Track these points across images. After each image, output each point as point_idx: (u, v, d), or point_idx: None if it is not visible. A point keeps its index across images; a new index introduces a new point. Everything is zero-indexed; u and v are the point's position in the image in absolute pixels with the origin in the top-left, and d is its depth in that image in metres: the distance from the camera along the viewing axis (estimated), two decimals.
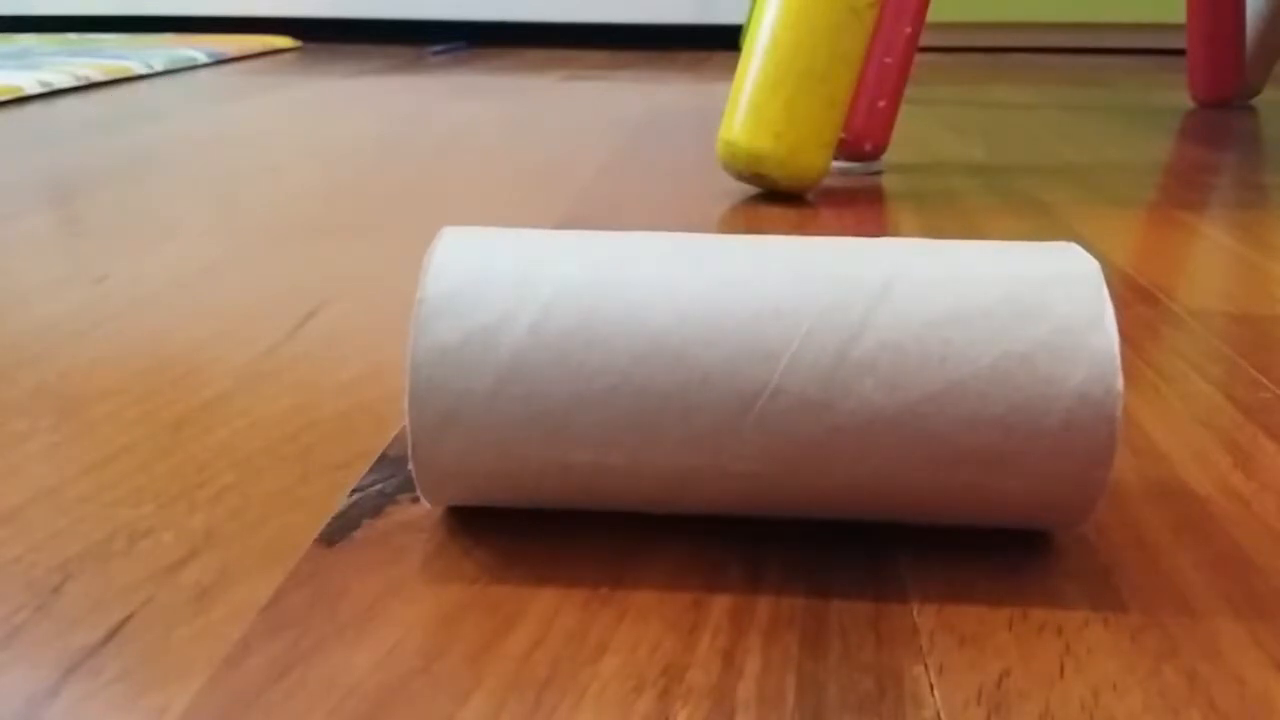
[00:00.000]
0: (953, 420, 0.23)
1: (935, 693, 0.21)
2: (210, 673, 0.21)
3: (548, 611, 0.23)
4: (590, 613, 0.23)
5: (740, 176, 0.62)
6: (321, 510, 0.28)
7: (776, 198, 0.63)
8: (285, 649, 0.22)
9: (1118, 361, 0.23)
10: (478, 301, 0.24)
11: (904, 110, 0.73)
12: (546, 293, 0.24)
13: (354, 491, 0.28)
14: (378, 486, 0.29)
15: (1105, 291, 0.24)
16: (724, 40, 1.59)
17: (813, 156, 0.59)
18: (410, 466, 0.24)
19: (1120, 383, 0.23)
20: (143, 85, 1.18)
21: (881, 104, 0.70)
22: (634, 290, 0.24)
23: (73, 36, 1.64)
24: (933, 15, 0.73)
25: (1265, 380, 0.37)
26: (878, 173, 0.70)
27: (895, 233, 0.56)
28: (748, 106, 0.59)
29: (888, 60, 0.70)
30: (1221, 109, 0.99)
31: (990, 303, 0.23)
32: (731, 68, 0.58)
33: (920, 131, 0.85)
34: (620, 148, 0.79)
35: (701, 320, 0.24)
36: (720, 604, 0.24)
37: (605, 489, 0.25)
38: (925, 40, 0.74)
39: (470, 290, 0.24)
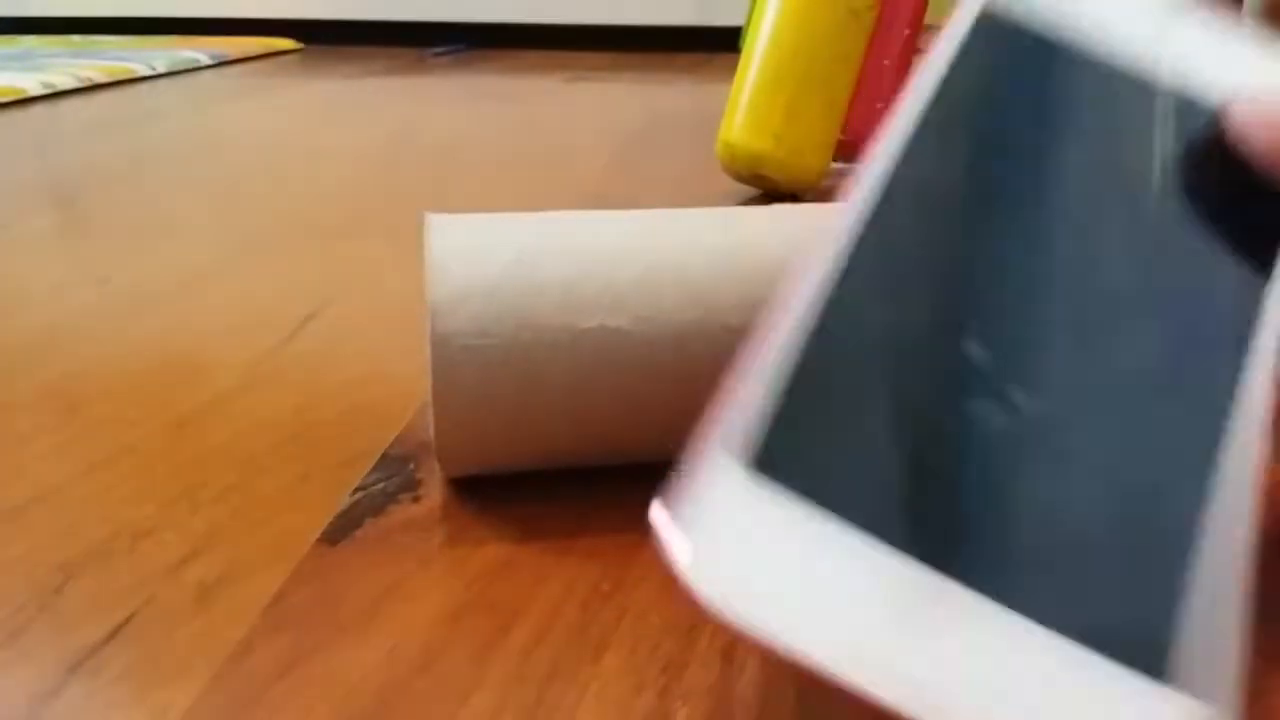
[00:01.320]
0: None
1: None
2: (212, 671, 0.21)
3: (548, 609, 0.23)
4: (591, 611, 0.23)
5: (740, 178, 0.62)
6: (324, 509, 0.28)
7: (776, 199, 0.63)
8: (287, 648, 0.22)
9: None
10: (483, 228, 0.27)
11: None
12: (535, 228, 0.27)
13: (356, 490, 0.29)
14: (380, 485, 0.29)
15: None
16: (724, 42, 1.59)
17: (812, 158, 0.59)
18: (428, 341, 0.25)
19: None
20: (145, 87, 1.18)
21: (880, 105, 0.70)
22: (608, 220, 0.28)
23: (75, 38, 1.64)
24: (930, 17, 0.73)
25: None
26: None
27: None
28: (747, 108, 0.59)
29: (886, 62, 0.70)
30: None
31: None
32: (732, 70, 0.58)
33: None
34: (621, 149, 0.79)
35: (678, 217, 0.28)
36: None
37: (614, 359, 0.26)
38: (924, 41, 0.74)
39: (474, 227, 0.27)
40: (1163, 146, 0.21)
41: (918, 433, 0.17)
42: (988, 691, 0.15)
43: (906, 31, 0.69)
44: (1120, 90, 0.21)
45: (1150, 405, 0.18)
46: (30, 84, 1.06)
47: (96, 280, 0.48)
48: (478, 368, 0.25)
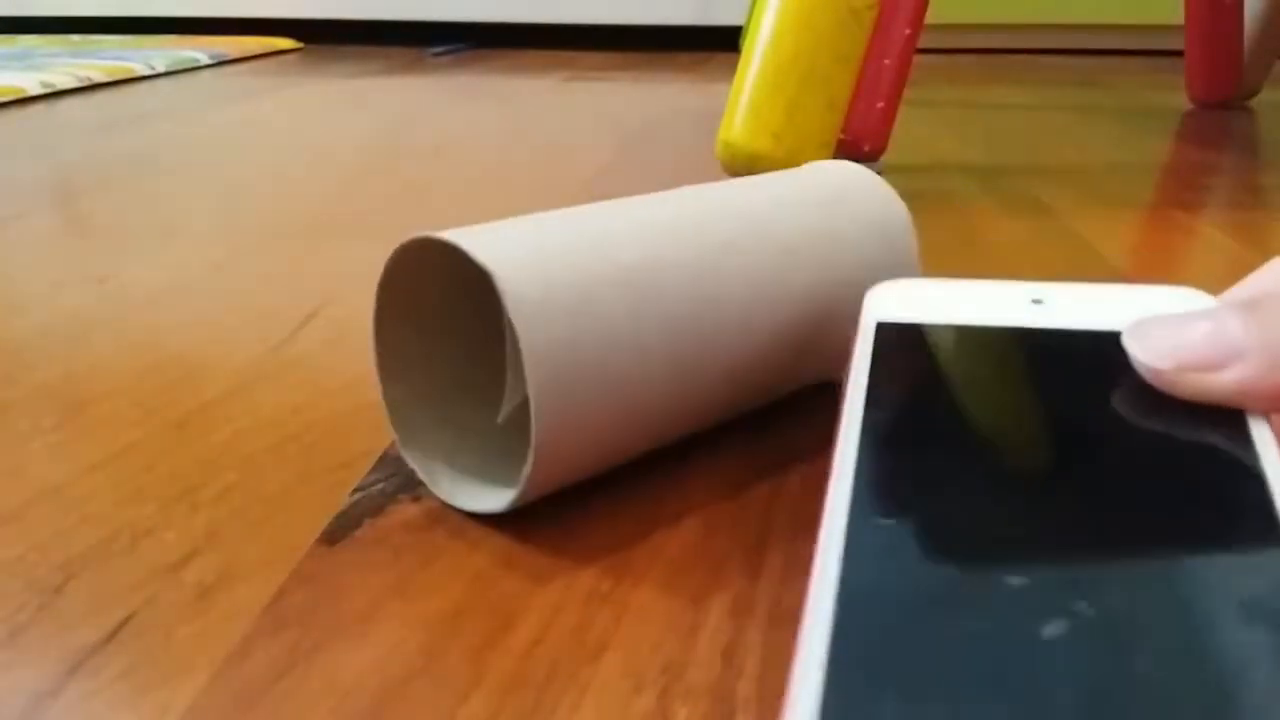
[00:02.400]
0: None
1: None
2: (212, 671, 0.22)
3: (548, 610, 0.23)
4: (590, 612, 0.23)
5: (739, 177, 0.62)
6: (323, 509, 0.28)
7: None
8: (287, 648, 0.22)
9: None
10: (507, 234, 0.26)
11: (902, 111, 0.73)
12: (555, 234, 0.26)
13: (355, 491, 0.29)
14: (379, 486, 0.29)
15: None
16: (724, 41, 1.59)
17: (811, 157, 0.59)
18: (520, 344, 0.24)
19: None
20: (144, 86, 1.18)
21: (880, 105, 0.70)
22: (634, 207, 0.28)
23: (75, 38, 1.64)
24: (931, 17, 0.73)
25: None
26: (876, 174, 0.70)
27: None
28: (747, 107, 0.59)
29: (886, 61, 0.70)
30: (1219, 110, 0.99)
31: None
32: (732, 69, 0.58)
33: (919, 132, 0.86)
34: (620, 148, 0.79)
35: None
36: (720, 602, 0.24)
37: (688, 307, 0.27)
38: (924, 41, 0.74)
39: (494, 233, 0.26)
40: (1084, 372, 0.23)
41: (991, 671, 0.16)
42: None
43: (907, 31, 0.69)
44: (1018, 339, 0.24)
45: (1192, 572, 0.18)
46: (30, 83, 1.06)
47: (96, 280, 0.48)
48: (573, 370, 0.24)
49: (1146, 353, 0.22)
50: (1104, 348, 0.23)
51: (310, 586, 0.24)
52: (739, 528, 0.27)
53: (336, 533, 0.27)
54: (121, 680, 0.21)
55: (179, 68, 1.31)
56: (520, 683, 0.21)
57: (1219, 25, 0.96)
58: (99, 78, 1.16)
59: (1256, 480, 0.20)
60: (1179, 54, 1.02)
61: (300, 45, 1.62)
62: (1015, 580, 0.18)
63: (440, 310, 0.29)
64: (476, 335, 0.30)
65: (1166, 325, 0.22)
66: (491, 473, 0.28)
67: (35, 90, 1.06)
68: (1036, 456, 0.21)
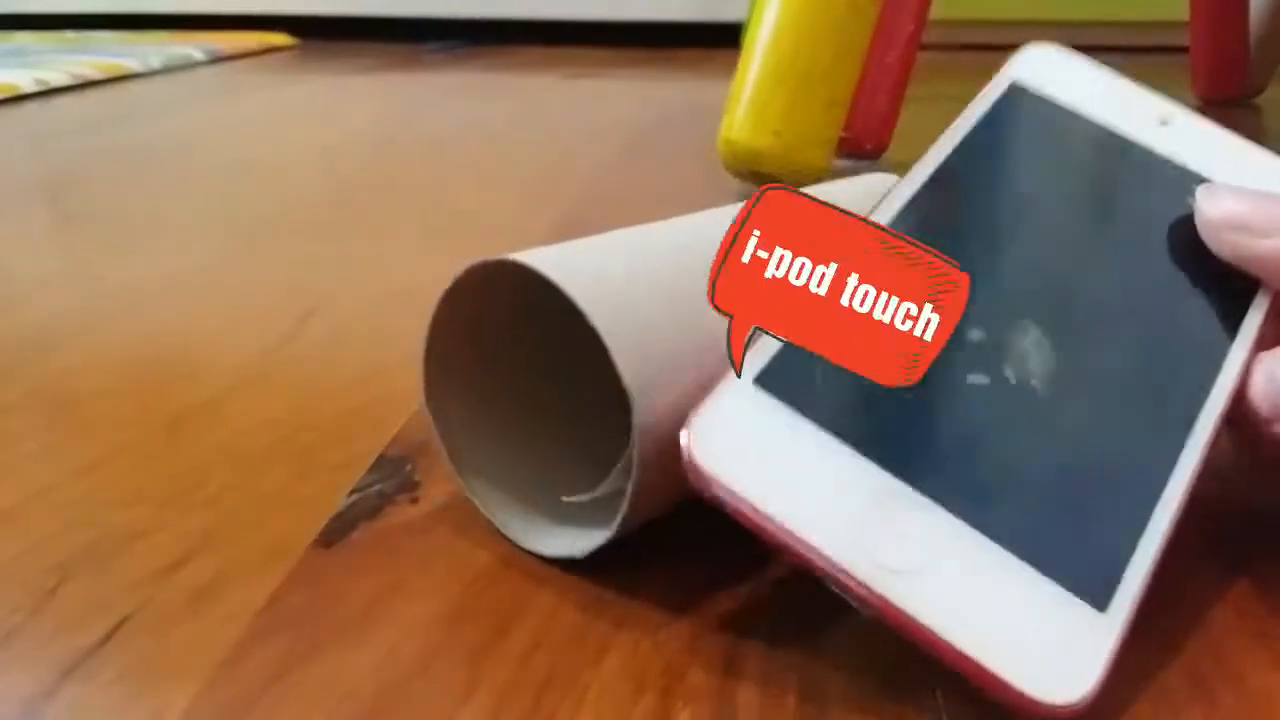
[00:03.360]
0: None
1: (938, 694, 0.21)
2: (208, 674, 0.21)
3: (547, 612, 0.23)
4: (590, 613, 0.23)
5: (740, 175, 0.62)
6: (320, 511, 0.27)
7: None
8: (283, 650, 0.22)
9: None
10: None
11: (906, 108, 0.72)
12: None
13: (352, 492, 0.28)
14: (376, 487, 0.29)
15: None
16: (726, 38, 1.59)
17: (813, 155, 0.59)
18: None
19: None
20: (140, 83, 1.17)
21: (883, 102, 0.70)
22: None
23: (70, 34, 1.63)
24: (935, 13, 0.73)
25: None
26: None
27: None
28: (748, 104, 0.59)
29: (889, 58, 0.69)
30: (1225, 107, 0.99)
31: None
32: (733, 66, 0.58)
33: (922, 130, 0.85)
34: (621, 146, 0.79)
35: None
36: (722, 603, 0.23)
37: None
38: (927, 38, 0.74)
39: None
40: (1153, 198, 0.26)
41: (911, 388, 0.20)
42: (944, 588, 0.17)
43: (910, 28, 0.69)
44: (1121, 151, 0.27)
45: (1126, 397, 0.22)
46: (24, 80, 1.06)
47: (90, 278, 0.48)
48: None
49: (1208, 206, 0.24)
50: (1187, 187, 0.25)
51: (307, 589, 0.24)
52: (741, 530, 0.26)
53: (333, 534, 0.26)
54: (117, 684, 0.21)
55: (174, 65, 1.30)
56: (519, 685, 0.21)
57: (1224, 22, 0.96)
58: (94, 75, 1.16)
59: (1231, 329, 0.23)
60: (1185, 51, 1.01)
61: (296, 42, 1.62)
62: (972, 333, 0.22)
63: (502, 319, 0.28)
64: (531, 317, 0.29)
65: (1238, 191, 0.24)
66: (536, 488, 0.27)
67: (30, 87, 1.05)
68: (1055, 243, 0.24)
